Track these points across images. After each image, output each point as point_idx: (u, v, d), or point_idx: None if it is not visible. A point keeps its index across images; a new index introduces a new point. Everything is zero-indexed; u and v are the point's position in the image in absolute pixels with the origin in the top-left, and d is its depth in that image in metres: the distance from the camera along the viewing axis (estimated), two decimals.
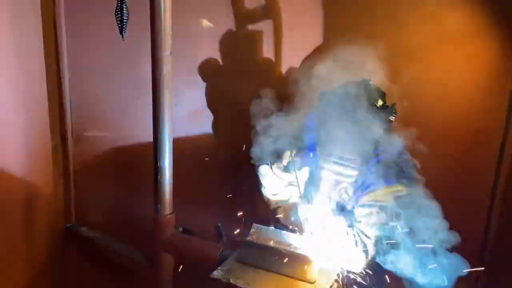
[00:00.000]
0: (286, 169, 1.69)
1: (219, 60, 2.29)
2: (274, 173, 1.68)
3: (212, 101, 2.35)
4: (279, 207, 1.75)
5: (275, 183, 1.69)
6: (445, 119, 2.29)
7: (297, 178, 1.65)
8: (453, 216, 2.28)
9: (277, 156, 1.74)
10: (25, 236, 1.92)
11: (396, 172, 1.66)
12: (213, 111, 2.36)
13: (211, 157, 2.37)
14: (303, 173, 1.69)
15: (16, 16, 1.75)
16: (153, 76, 1.60)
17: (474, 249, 2.53)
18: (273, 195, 1.71)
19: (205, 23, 2.20)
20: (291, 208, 1.71)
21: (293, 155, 1.69)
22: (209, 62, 2.28)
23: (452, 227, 2.27)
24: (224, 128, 2.39)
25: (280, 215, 1.75)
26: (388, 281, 1.69)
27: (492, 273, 2.51)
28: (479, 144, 2.30)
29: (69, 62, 2.04)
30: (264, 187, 1.73)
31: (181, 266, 1.77)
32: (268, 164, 1.70)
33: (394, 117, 1.62)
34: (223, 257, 1.58)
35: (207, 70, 2.28)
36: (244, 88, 2.26)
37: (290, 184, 1.68)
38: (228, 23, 2.25)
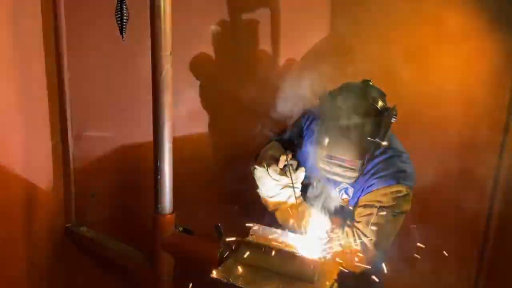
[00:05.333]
0: (282, 172, 1.69)
1: (219, 60, 2.29)
2: (270, 176, 1.67)
3: (212, 101, 2.35)
4: (277, 209, 1.74)
5: (272, 185, 1.68)
6: (445, 119, 2.29)
7: (292, 181, 1.64)
8: (453, 216, 2.29)
9: (274, 158, 1.74)
10: (25, 236, 1.92)
11: (396, 173, 1.66)
12: (213, 111, 2.36)
13: (211, 157, 2.37)
14: (300, 174, 1.69)
15: (16, 16, 1.75)
16: (153, 76, 1.60)
17: (474, 249, 2.54)
18: (270, 197, 1.71)
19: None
20: (289, 209, 1.71)
21: (288, 158, 1.68)
22: (209, 62, 2.28)
23: (452, 227, 2.28)
24: (224, 128, 2.39)
25: (278, 217, 1.74)
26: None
27: (492, 273, 2.51)
28: (479, 144, 2.30)
29: (69, 62, 2.04)
30: (261, 189, 1.72)
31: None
32: (264, 166, 1.69)
33: (395, 119, 1.62)
34: (223, 257, 1.58)
35: (207, 70, 2.28)
36: (244, 87, 2.27)
37: (287, 186, 1.68)
38: (228, 23, 2.25)
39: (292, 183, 1.65)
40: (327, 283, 1.43)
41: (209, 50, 2.27)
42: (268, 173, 1.68)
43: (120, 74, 2.13)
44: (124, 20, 1.52)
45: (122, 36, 1.54)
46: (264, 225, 1.63)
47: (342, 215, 1.75)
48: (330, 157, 1.60)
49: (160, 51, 1.56)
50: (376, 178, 1.67)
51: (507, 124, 2.30)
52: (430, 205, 2.25)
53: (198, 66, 2.25)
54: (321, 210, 1.72)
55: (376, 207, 1.63)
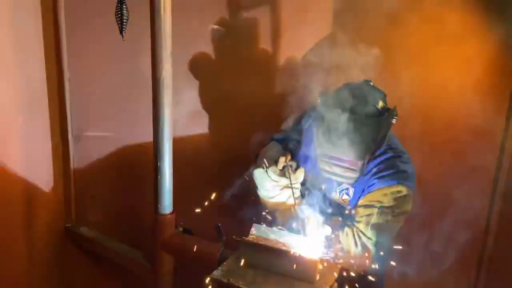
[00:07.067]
0: (281, 173, 1.68)
1: (219, 60, 2.29)
2: (270, 177, 1.67)
3: (212, 101, 2.35)
4: (276, 209, 1.74)
5: (271, 186, 1.68)
6: (445, 119, 2.30)
7: (291, 182, 1.64)
8: (453, 216, 2.29)
9: (273, 159, 1.74)
10: (25, 236, 1.92)
11: (396, 173, 1.66)
12: (213, 111, 2.36)
13: (211, 157, 2.37)
14: (299, 175, 1.68)
15: (16, 16, 1.75)
16: (153, 76, 1.60)
17: (474, 249, 2.54)
18: (269, 198, 1.71)
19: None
20: (289, 210, 1.70)
21: (287, 159, 1.68)
22: (209, 62, 2.28)
23: (452, 227, 2.28)
24: (224, 128, 2.39)
25: (278, 217, 1.74)
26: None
27: (492, 273, 2.51)
28: (479, 144, 2.30)
29: (69, 62, 2.04)
30: (261, 190, 1.72)
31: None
32: (263, 167, 1.69)
33: (395, 119, 1.62)
34: (223, 257, 1.58)
35: (207, 70, 2.28)
36: (244, 87, 2.27)
37: (287, 186, 1.68)
38: (228, 22, 2.25)
39: (291, 183, 1.65)
40: (327, 283, 1.43)
41: (209, 50, 2.27)
42: (267, 174, 1.68)
43: (120, 74, 2.13)
44: (124, 20, 1.52)
45: (122, 36, 1.54)
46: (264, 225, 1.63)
47: (342, 215, 1.75)
48: (331, 157, 1.60)
49: (160, 51, 1.56)
50: (376, 178, 1.67)
51: (507, 124, 2.30)
52: (430, 205, 2.25)
53: (198, 66, 2.25)
54: (321, 211, 1.72)
55: (376, 207, 1.63)
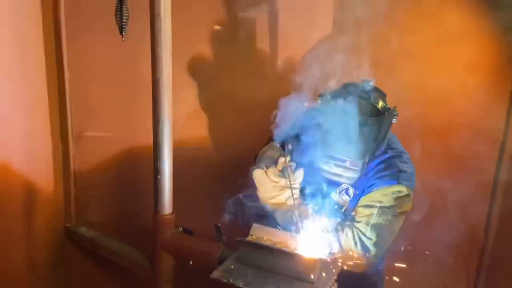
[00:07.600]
0: (281, 173, 1.68)
1: (219, 60, 2.29)
2: (269, 177, 1.67)
3: (212, 101, 2.35)
4: (276, 210, 1.73)
5: (271, 187, 1.67)
6: (445, 119, 2.30)
7: (290, 182, 1.64)
8: (453, 216, 2.29)
9: (273, 160, 1.73)
10: (25, 236, 1.92)
11: (396, 173, 1.66)
12: (213, 111, 2.36)
13: (210, 157, 2.37)
14: (298, 175, 1.68)
15: (16, 16, 1.75)
16: (153, 76, 1.60)
17: (474, 249, 2.54)
18: (269, 198, 1.70)
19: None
20: (289, 210, 1.70)
21: (287, 161, 1.68)
22: (209, 62, 2.28)
23: (452, 227, 2.28)
24: (224, 128, 2.39)
25: (278, 218, 1.74)
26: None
27: (492, 273, 2.51)
28: (479, 144, 2.30)
29: (69, 62, 2.04)
30: (260, 191, 1.71)
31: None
32: (262, 168, 1.69)
33: (395, 119, 1.62)
34: (223, 257, 1.58)
35: (207, 70, 2.28)
36: (244, 87, 2.27)
37: (286, 187, 1.67)
38: (228, 23, 2.25)
39: (291, 184, 1.65)
40: (327, 283, 1.43)
41: (209, 50, 2.27)
42: (267, 174, 1.67)
43: (120, 74, 2.13)
44: (124, 20, 1.53)
45: (122, 36, 1.54)
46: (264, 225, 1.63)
47: (342, 216, 1.75)
48: (331, 157, 1.60)
49: (160, 51, 1.56)
50: (376, 178, 1.67)
51: (507, 124, 2.31)
52: (430, 205, 2.25)
53: (198, 66, 2.25)
54: (321, 211, 1.72)
55: (376, 207, 1.63)
